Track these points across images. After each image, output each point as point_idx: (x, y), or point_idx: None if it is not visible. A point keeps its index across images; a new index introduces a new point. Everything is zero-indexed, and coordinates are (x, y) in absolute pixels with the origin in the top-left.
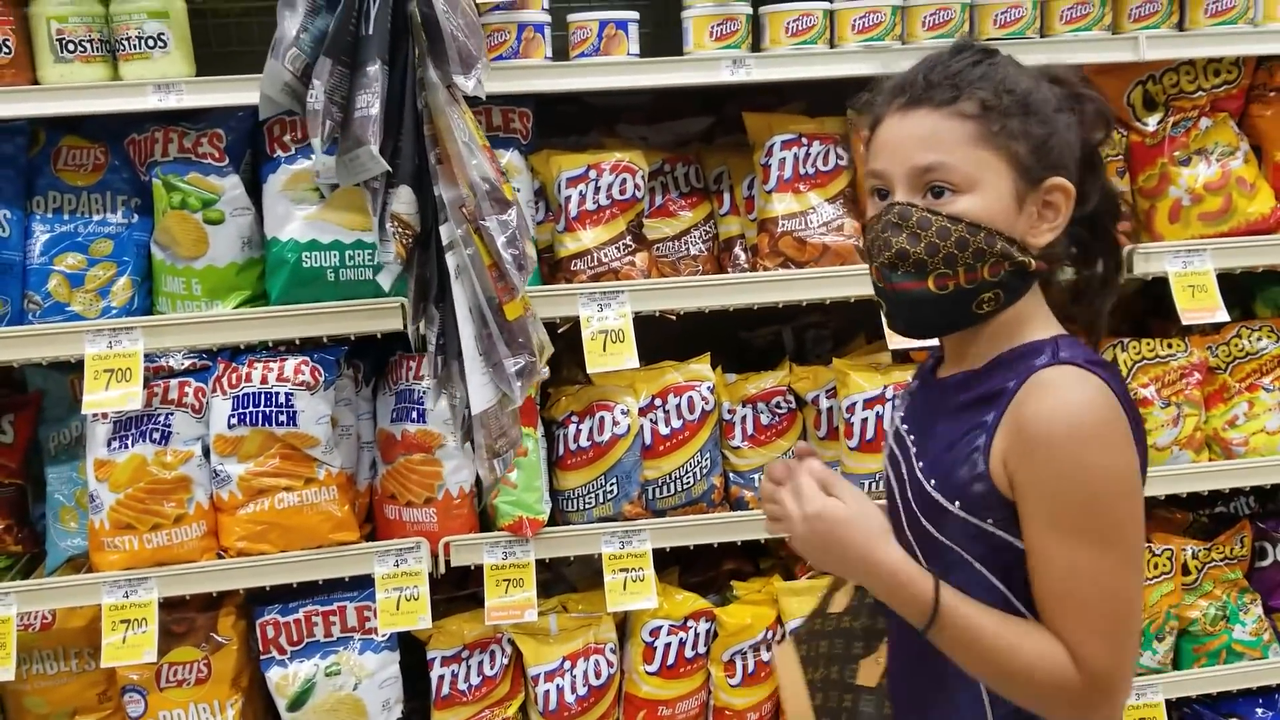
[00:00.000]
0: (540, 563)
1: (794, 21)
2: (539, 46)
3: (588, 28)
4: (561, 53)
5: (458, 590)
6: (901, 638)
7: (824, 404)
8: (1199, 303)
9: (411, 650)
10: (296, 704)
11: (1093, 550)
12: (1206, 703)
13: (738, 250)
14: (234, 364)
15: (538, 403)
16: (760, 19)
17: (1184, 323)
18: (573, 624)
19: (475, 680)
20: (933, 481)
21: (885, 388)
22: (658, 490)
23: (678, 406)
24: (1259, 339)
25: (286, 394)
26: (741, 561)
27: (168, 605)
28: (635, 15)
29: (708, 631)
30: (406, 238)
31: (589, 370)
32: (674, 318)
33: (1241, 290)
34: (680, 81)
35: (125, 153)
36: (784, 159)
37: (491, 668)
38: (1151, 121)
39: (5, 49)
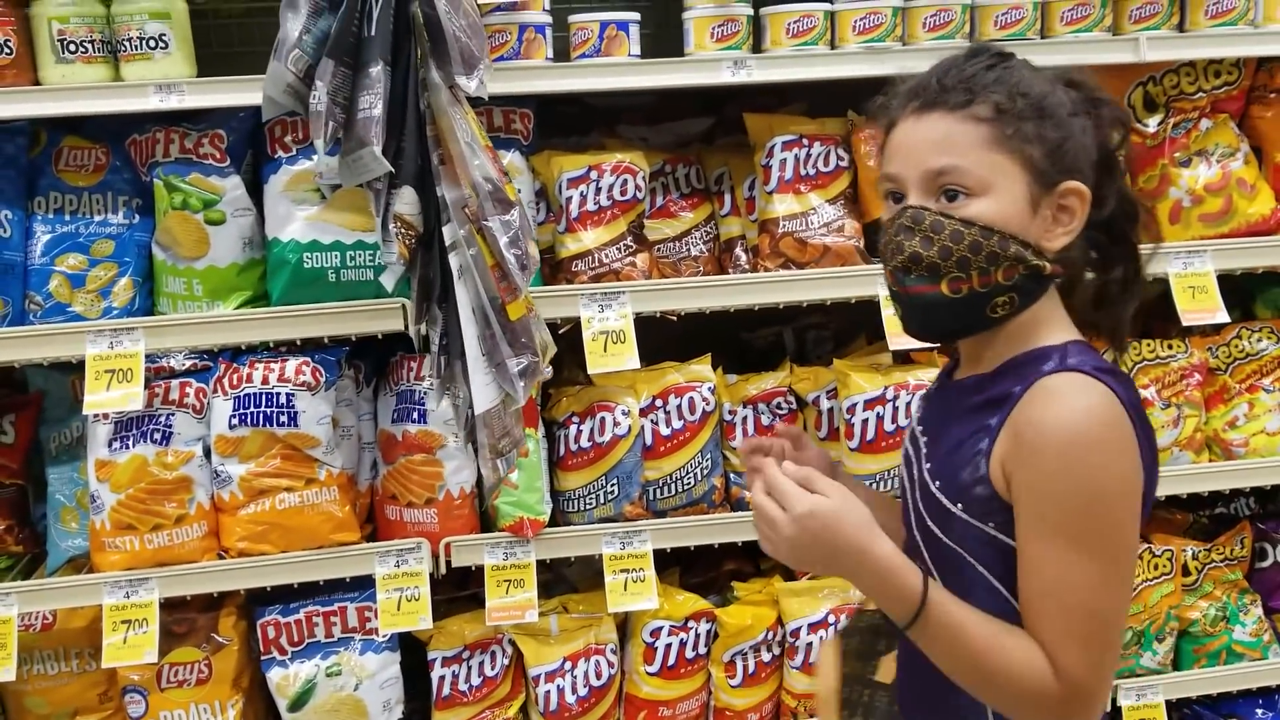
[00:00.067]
0: (541, 563)
1: (795, 23)
2: (540, 47)
3: (589, 29)
4: (563, 54)
5: (458, 591)
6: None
7: (825, 405)
8: (1199, 304)
9: (412, 651)
10: (297, 704)
11: (1079, 557)
12: (1207, 703)
13: (738, 251)
14: (235, 364)
15: (539, 403)
16: (761, 20)
17: (1184, 324)
18: (573, 624)
19: (476, 681)
20: (938, 483)
21: (886, 389)
22: (658, 491)
23: (679, 407)
24: (1259, 340)
25: (287, 394)
26: (742, 562)
27: (168, 605)
28: (636, 16)
29: (708, 632)
30: (409, 238)
31: (590, 371)
32: (675, 318)
33: (1242, 291)
34: (681, 82)
35: (126, 153)
36: (785, 160)
37: (492, 668)
38: (1152, 123)
39: (7, 49)
